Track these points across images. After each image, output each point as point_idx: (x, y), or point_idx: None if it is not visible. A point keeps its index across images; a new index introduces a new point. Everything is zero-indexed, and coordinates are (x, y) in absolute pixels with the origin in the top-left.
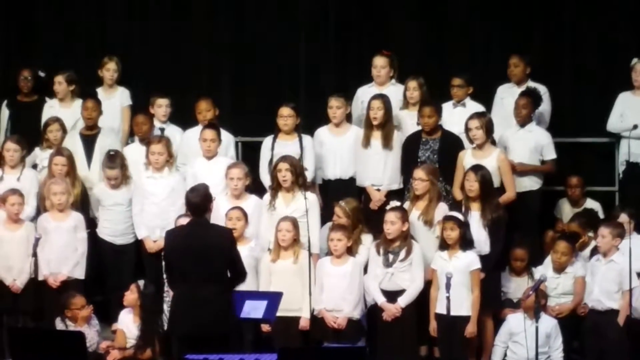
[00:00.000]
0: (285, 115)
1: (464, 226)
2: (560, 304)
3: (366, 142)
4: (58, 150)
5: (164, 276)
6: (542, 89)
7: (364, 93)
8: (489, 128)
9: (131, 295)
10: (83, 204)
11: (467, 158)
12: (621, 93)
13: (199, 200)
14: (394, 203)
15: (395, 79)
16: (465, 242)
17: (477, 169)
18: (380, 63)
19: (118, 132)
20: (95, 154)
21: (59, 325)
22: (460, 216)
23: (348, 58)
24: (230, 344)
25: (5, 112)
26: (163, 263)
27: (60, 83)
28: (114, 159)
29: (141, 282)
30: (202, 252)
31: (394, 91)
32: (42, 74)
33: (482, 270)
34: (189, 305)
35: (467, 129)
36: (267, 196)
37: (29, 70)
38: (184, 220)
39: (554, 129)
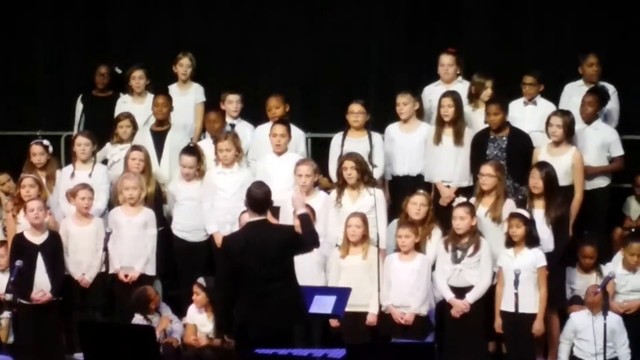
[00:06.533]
0: (356, 112)
1: (530, 223)
2: (629, 301)
3: (437, 138)
4: (135, 146)
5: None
6: (611, 88)
7: (431, 92)
8: (569, 128)
9: (198, 297)
10: (157, 201)
11: (543, 154)
12: None
13: (260, 196)
14: (461, 199)
15: (461, 77)
16: (531, 240)
17: (542, 166)
18: (447, 61)
19: (191, 128)
20: (165, 150)
21: (141, 321)
22: (525, 213)
23: (419, 56)
24: (296, 336)
25: (79, 107)
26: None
27: (140, 77)
28: (193, 149)
29: (201, 280)
30: (264, 253)
31: (461, 88)
32: (118, 71)
33: (546, 267)
34: (258, 308)
35: (549, 124)
36: (334, 193)
37: (105, 66)
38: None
39: (623, 127)
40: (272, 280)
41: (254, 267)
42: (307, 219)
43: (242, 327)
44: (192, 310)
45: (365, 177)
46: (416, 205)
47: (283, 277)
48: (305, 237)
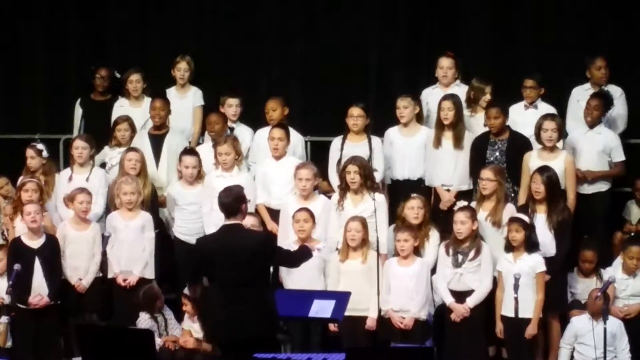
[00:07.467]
0: (355, 116)
1: (530, 228)
2: (629, 305)
3: (437, 142)
4: (131, 148)
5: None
6: (618, 91)
7: (429, 94)
8: (561, 130)
9: (187, 307)
10: (152, 204)
11: (533, 160)
12: None
13: (229, 201)
14: (462, 203)
15: (459, 80)
16: (531, 244)
17: (544, 170)
18: (446, 64)
19: (189, 132)
20: (163, 154)
21: (148, 321)
22: (525, 218)
23: (419, 59)
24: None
25: (79, 111)
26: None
27: (137, 81)
28: (193, 150)
29: (186, 290)
30: (235, 256)
31: (459, 92)
32: (118, 75)
33: (548, 272)
34: (228, 312)
35: (543, 130)
36: (335, 196)
37: (105, 70)
38: (248, 219)
39: (625, 130)
40: (242, 284)
41: (225, 269)
42: (306, 251)
43: (213, 331)
44: (186, 317)
45: (368, 182)
46: (413, 209)
47: (254, 283)
48: (292, 253)
